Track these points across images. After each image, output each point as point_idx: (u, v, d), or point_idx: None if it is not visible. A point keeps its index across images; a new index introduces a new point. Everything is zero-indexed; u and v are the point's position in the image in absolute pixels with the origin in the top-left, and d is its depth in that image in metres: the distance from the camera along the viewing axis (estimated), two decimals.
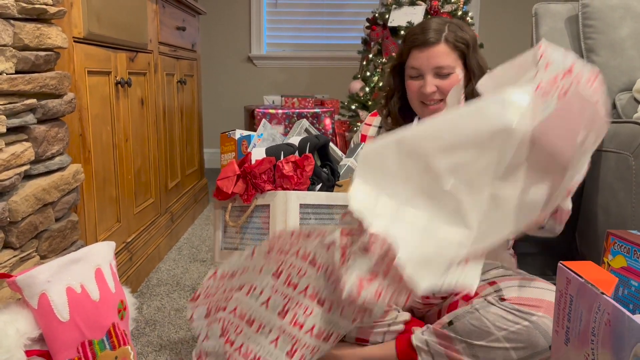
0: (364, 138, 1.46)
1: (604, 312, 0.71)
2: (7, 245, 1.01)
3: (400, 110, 1.33)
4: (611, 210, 1.62)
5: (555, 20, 2.16)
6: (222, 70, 3.95)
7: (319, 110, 3.17)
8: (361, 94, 2.79)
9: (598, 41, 2.01)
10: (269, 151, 1.20)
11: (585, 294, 0.76)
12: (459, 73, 1.22)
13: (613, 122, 1.73)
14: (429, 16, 2.82)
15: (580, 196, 1.73)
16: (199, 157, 2.86)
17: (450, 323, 1.18)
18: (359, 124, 2.78)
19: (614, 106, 1.95)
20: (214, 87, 3.96)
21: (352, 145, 1.51)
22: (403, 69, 1.29)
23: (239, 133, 1.34)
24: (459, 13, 2.88)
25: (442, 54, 1.20)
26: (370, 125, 1.47)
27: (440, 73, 1.21)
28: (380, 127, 1.44)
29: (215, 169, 4.00)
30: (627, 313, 0.67)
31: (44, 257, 1.12)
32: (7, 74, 0.97)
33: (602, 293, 0.73)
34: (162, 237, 2.09)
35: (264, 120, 1.34)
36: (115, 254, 1.63)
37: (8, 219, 0.97)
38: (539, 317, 1.08)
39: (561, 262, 0.84)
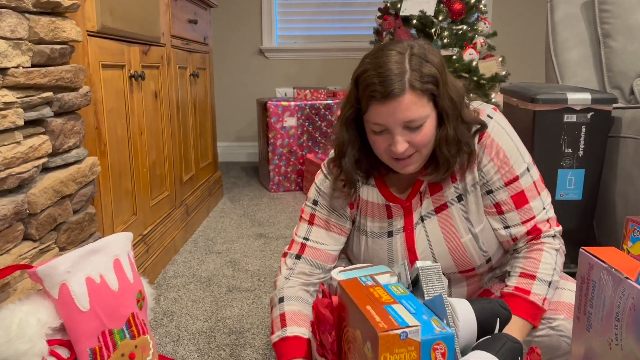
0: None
1: (629, 297, 0.70)
2: (26, 237, 1.02)
3: (358, 165, 1.09)
4: (630, 198, 1.60)
5: (571, 6, 2.13)
6: (233, 64, 3.95)
7: (331, 101, 3.15)
8: None
9: (615, 26, 1.98)
10: None
11: (609, 279, 0.75)
12: (432, 118, 0.99)
13: (631, 108, 1.70)
14: (440, 5, 2.79)
15: (598, 184, 1.70)
16: (213, 150, 2.87)
17: None
18: None
19: (631, 92, 1.92)
20: (226, 80, 3.96)
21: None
22: (360, 119, 1.04)
23: (420, 329, 0.75)
24: (472, 1, 2.85)
25: (410, 105, 0.95)
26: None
27: (411, 126, 0.97)
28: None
29: (229, 162, 4.02)
30: None
31: (62, 249, 1.13)
32: (23, 67, 0.98)
33: (627, 278, 0.71)
34: (177, 230, 2.10)
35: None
36: (132, 246, 1.65)
37: (27, 211, 0.98)
38: (560, 322, 1.04)
39: (583, 247, 0.82)
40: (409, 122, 0.96)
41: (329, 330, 0.88)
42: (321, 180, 1.16)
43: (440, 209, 1.09)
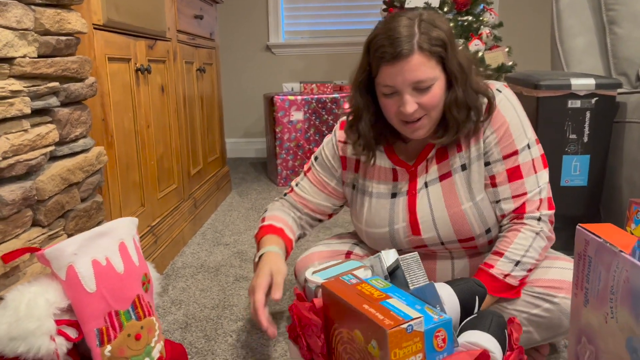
0: (344, 160, 1.24)
1: (623, 270, 0.71)
2: (35, 223, 1.04)
3: (374, 129, 1.13)
4: (636, 182, 1.59)
5: None
6: (241, 60, 3.97)
7: (337, 95, 3.17)
8: None
9: (620, 13, 1.97)
10: None
11: (604, 254, 0.76)
12: (440, 81, 1.03)
13: (636, 93, 1.70)
14: None
15: (603, 170, 1.70)
16: (220, 145, 2.89)
17: None
18: None
19: (637, 78, 1.91)
20: (233, 76, 3.99)
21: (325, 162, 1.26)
22: (372, 84, 1.08)
23: (421, 316, 0.77)
24: None
25: (419, 66, 0.98)
26: (345, 143, 1.23)
27: (420, 87, 1.01)
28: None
29: (238, 158, 4.05)
30: None
31: (71, 236, 1.15)
32: (29, 57, 1.00)
33: (621, 251, 0.72)
34: (185, 222, 2.12)
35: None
36: (140, 237, 1.67)
37: (36, 198, 1.01)
38: (561, 299, 1.06)
39: (579, 224, 0.83)
40: (417, 83, 1.00)
41: (317, 333, 0.88)
42: (327, 140, 1.27)
43: (444, 176, 1.13)
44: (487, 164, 1.10)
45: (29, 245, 0.99)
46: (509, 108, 1.09)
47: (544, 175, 1.10)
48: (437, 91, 1.02)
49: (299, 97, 3.09)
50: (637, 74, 1.93)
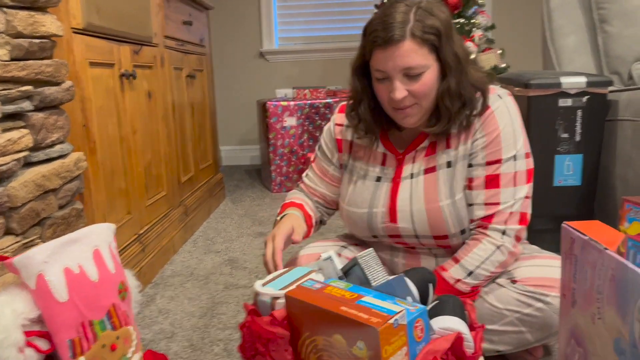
0: (340, 143, 1.24)
1: (608, 268, 0.68)
2: (8, 232, 1.01)
3: (374, 113, 1.13)
4: (629, 181, 1.56)
5: None
6: (235, 67, 3.95)
7: (331, 100, 3.15)
8: None
9: (611, 11, 1.95)
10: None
11: (589, 252, 0.73)
12: (433, 70, 1.02)
13: (627, 90, 1.67)
14: None
15: (597, 169, 1.67)
16: (213, 152, 2.87)
17: None
18: None
19: (630, 77, 1.89)
20: (227, 84, 3.97)
21: (323, 146, 1.27)
22: (368, 69, 1.08)
23: (405, 307, 0.78)
24: None
25: (410, 52, 0.99)
26: (342, 125, 1.24)
27: (410, 74, 1.00)
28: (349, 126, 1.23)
29: (233, 165, 4.02)
30: (631, 265, 0.63)
31: None
32: (1, 60, 0.98)
33: (605, 248, 0.69)
34: (176, 230, 2.09)
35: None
36: (127, 245, 1.64)
37: (7, 205, 0.98)
38: (553, 298, 1.04)
39: (565, 222, 0.80)
40: (408, 70, 1.00)
41: (285, 347, 0.85)
42: (326, 128, 1.28)
43: (429, 170, 1.12)
44: (469, 165, 1.09)
45: (1, 254, 0.96)
46: (505, 116, 1.07)
47: (524, 189, 1.08)
48: (428, 79, 1.02)
49: (292, 103, 3.07)
50: (629, 72, 1.90)
